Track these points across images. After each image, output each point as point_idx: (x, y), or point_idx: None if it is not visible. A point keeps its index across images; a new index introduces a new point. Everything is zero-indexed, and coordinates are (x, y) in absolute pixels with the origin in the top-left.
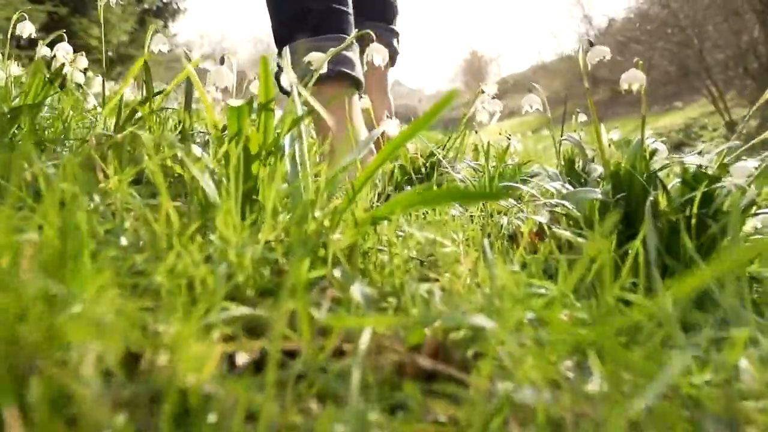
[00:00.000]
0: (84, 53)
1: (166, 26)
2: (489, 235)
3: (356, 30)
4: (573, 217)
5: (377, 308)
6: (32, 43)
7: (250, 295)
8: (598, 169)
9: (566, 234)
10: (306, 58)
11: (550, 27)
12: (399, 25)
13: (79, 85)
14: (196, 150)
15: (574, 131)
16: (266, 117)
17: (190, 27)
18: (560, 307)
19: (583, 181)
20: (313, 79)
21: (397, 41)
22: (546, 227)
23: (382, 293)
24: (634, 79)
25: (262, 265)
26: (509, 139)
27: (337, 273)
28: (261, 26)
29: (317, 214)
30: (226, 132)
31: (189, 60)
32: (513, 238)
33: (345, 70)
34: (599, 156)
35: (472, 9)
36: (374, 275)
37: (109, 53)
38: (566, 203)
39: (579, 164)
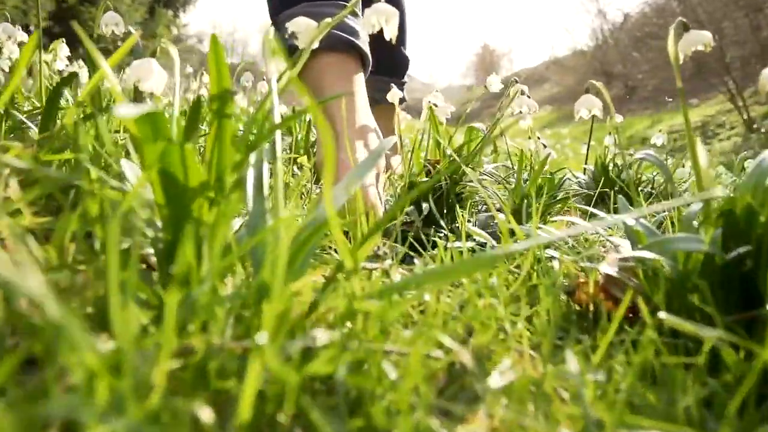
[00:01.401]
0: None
1: (176, 16)
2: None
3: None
4: (655, 270)
5: None
6: (44, 32)
7: None
8: (692, 205)
9: (683, 325)
10: (290, 25)
11: (563, 22)
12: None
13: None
14: (128, 169)
15: (609, 133)
16: (220, 123)
17: (201, 17)
18: None
19: (618, 188)
20: (307, 53)
21: (404, 89)
22: (642, 300)
23: None
24: None
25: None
26: (545, 146)
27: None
28: None
29: (263, 320)
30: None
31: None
32: (571, 294)
33: (349, 38)
34: (696, 184)
35: (484, 3)
36: (373, 410)
37: (118, 43)
38: (650, 254)
39: (612, 170)
